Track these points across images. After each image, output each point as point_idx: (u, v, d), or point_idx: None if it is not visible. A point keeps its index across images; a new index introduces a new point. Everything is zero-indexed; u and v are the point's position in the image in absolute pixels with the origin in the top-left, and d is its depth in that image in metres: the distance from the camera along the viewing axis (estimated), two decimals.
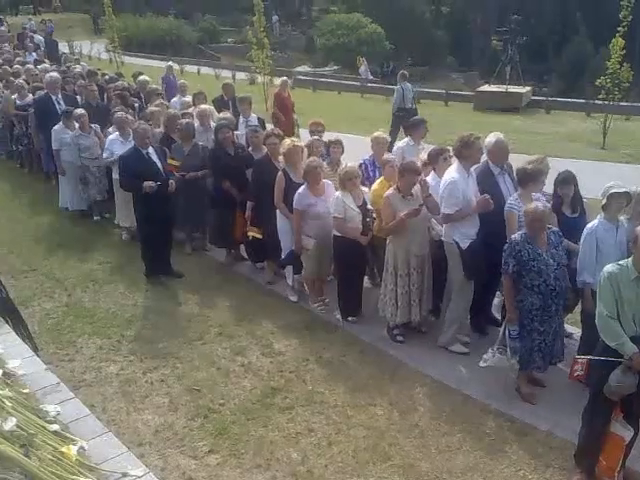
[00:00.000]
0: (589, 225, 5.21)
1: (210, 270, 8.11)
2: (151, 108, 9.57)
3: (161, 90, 11.83)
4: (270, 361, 5.99)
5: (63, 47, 28.08)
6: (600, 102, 15.04)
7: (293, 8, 51.93)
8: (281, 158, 7.08)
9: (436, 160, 6.34)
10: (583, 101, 19.55)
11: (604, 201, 5.06)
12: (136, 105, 10.91)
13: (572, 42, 35.98)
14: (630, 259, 4.14)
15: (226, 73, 26.90)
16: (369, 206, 6.49)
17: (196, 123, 8.87)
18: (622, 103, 15.33)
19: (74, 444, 3.11)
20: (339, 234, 6.43)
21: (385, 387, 5.55)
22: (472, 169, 6.00)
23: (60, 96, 10.92)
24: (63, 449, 2.97)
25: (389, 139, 7.64)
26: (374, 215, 6.48)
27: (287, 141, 7.07)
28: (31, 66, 14.89)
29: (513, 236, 5.14)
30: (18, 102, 11.89)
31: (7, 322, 4.74)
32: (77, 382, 5.53)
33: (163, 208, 7.34)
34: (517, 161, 6.36)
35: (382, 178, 6.73)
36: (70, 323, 6.71)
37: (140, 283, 7.64)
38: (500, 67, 21.61)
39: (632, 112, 17.95)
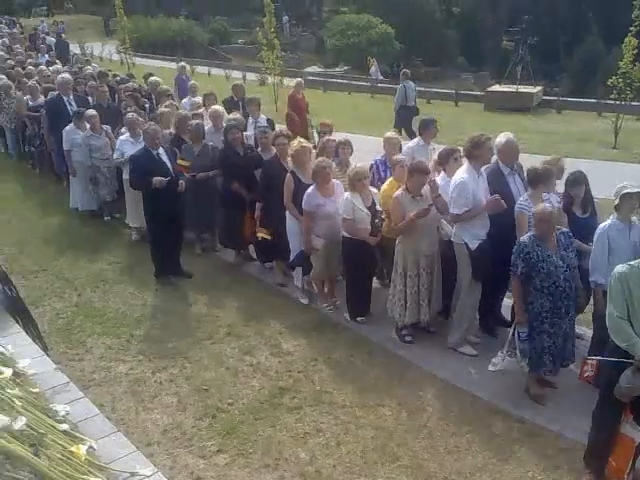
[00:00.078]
0: (601, 225, 5.18)
1: (219, 270, 8.14)
2: (161, 109, 9.61)
3: (171, 91, 11.87)
4: (279, 361, 6.00)
5: (75, 48, 28.24)
6: (612, 102, 14.94)
7: (303, 9, 51.97)
8: (289, 159, 7.08)
9: (447, 160, 6.32)
10: (594, 101, 19.44)
11: (616, 201, 5.02)
12: (147, 106, 10.96)
13: (584, 42, 35.80)
14: None
15: (236, 74, 26.96)
16: (378, 207, 6.48)
17: (208, 124, 8.91)
18: (634, 103, 15.22)
19: (83, 443, 3.13)
20: (348, 235, 6.43)
21: (393, 387, 5.55)
22: (482, 169, 5.98)
23: (72, 97, 10.98)
24: (72, 448, 2.98)
25: (401, 139, 7.62)
26: (383, 216, 6.47)
27: (295, 142, 7.08)
28: (44, 67, 15.00)
29: (522, 238, 5.11)
30: (30, 103, 11.98)
31: (17, 322, 4.77)
32: (86, 382, 5.56)
33: (172, 208, 7.36)
34: (528, 161, 6.35)
35: (392, 178, 6.72)
36: (80, 323, 6.75)
37: (150, 283, 7.67)
38: (511, 67, 21.54)
39: None
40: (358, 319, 6.69)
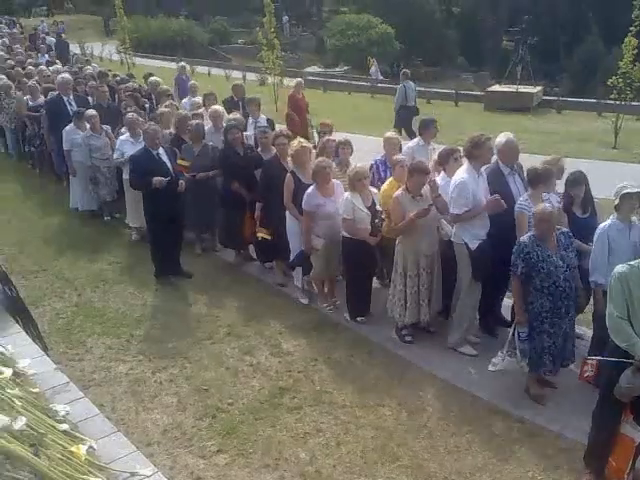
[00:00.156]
0: (601, 225, 5.18)
1: (219, 270, 8.14)
2: (161, 109, 9.62)
3: (171, 91, 11.87)
4: (279, 361, 6.00)
5: (75, 48, 28.24)
6: (612, 102, 14.94)
7: (303, 9, 51.97)
8: (289, 159, 7.08)
9: (447, 160, 6.32)
10: (594, 101, 19.44)
11: (616, 201, 5.02)
12: (147, 106, 10.96)
13: (584, 42, 35.81)
14: None
15: (236, 74, 26.97)
16: (378, 207, 6.48)
17: (208, 124, 8.92)
18: (634, 103, 15.22)
19: (83, 443, 3.13)
20: (348, 235, 6.43)
21: (394, 387, 5.55)
22: (482, 169, 5.98)
23: (72, 97, 10.98)
24: (72, 448, 2.98)
25: (401, 139, 7.62)
26: (383, 216, 6.47)
27: (295, 142, 7.07)
28: (44, 67, 15.00)
29: (522, 238, 5.11)
30: (30, 103, 11.97)
31: (17, 322, 4.76)
32: (86, 382, 5.56)
33: (172, 208, 7.36)
34: (528, 161, 6.35)
35: (392, 178, 6.72)
36: (80, 323, 6.75)
37: (150, 283, 7.67)
38: (511, 67, 21.54)
39: None
40: (358, 319, 6.69)
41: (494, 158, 6.10)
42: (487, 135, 5.94)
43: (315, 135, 9.81)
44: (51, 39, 26.69)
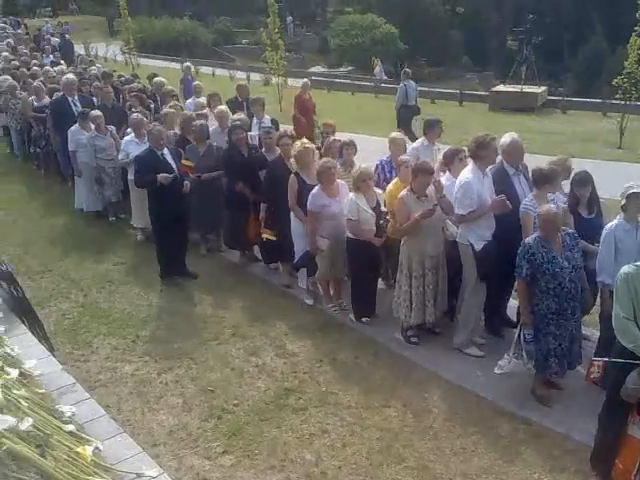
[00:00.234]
0: (608, 225, 5.16)
1: (224, 271, 8.15)
2: (165, 110, 9.63)
3: (176, 92, 11.87)
4: (284, 362, 6.00)
5: (79, 49, 28.32)
6: (617, 102, 14.90)
7: (308, 9, 51.93)
8: (292, 161, 7.07)
9: (452, 160, 6.31)
10: (599, 101, 19.37)
11: (623, 201, 5.01)
12: (152, 106, 10.98)
13: (588, 41, 35.70)
14: None
15: (240, 74, 26.97)
16: (382, 208, 6.47)
17: (213, 125, 8.92)
18: (639, 103, 15.17)
19: (89, 444, 3.13)
20: (353, 236, 6.42)
21: (399, 389, 5.54)
22: (487, 169, 5.97)
23: (76, 97, 11.00)
24: (79, 449, 2.99)
25: (407, 140, 7.61)
26: (388, 217, 6.46)
27: (297, 143, 7.06)
28: (49, 68, 15.03)
29: (526, 239, 5.09)
30: (35, 104, 11.99)
31: (23, 322, 4.78)
32: (92, 382, 5.57)
33: (177, 208, 7.37)
34: (533, 161, 6.33)
35: (397, 179, 6.71)
36: (86, 323, 6.76)
37: (155, 284, 7.68)
38: (515, 67, 21.48)
39: None
40: (363, 320, 6.69)
41: (499, 158, 6.09)
42: (492, 135, 5.93)
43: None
44: (56, 40, 26.75)
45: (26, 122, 12.51)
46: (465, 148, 6.26)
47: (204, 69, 28.51)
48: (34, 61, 17.04)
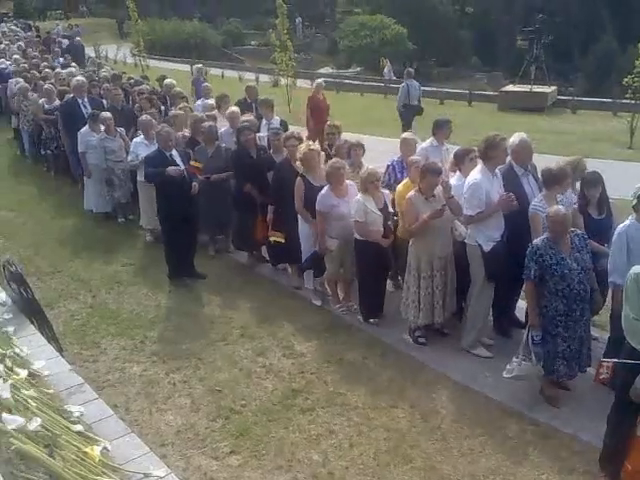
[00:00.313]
0: (620, 226, 5.11)
1: (232, 272, 8.16)
2: (173, 112, 9.67)
3: (185, 94, 11.90)
4: (291, 362, 6.00)
5: (90, 51, 28.46)
6: (627, 101, 14.81)
7: (317, 10, 51.97)
8: (298, 163, 7.07)
9: (462, 160, 6.29)
10: (610, 100, 19.27)
11: (634, 201, 4.96)
12: (162, 108, 11.02)
13: (598, 41, 35.49)
14: None
15: (249, 75, 27.04)
16: (390, 209, 6.47)
17: (225, 126, 8.95)
18: None
19: (98, 444, 3.15)
20: (360, 237, 6.42)
21: (407, 389, 5.53)
22: (497, 170, 5.95)
23: (86, 99, 11.06)
24: (87, 449, 3.00)
25: (418, 140, 7.59)
26: (395, 217, 6.45)
27: (302, 146, 7.05)
28: (60, 70, 15.12)
29: (535, 241, 5.06)
30: (46, 106, 12.06)
31: (33, 323, 4.81)
32: (101, 382, 5.59)
33: (186, 208, 7.39)
34: (542, 162, 6.30)
35: (407, 179, 6.70)
36: (94, 324, 6.80)
37: (163, 285, 7.71)
38: (525, 67, 21.39)
39: None
40: (371, 320, 6.68)
41: (508, 159, 6.07)
42: (502, 136, 5.91)
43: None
44: (67, 42, 26.92)
45: (37, 124, 12.58)
46: (476, 148, 6.24)
47: (213, 70, 28.54)
48: (44, 63, 17.13)
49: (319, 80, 14.27)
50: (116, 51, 33.10)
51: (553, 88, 21.34)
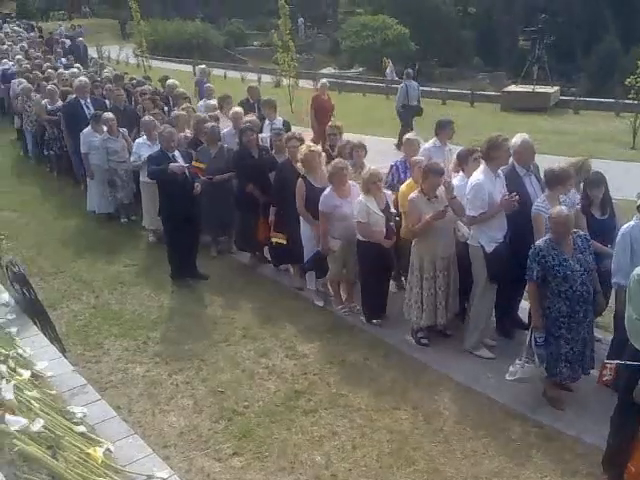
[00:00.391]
0: (624, 226, 5.09)
1: (235, 272, 8.16)
2: (176, 112, 9.68)
3: (188, 94, 11.91)
4: (294, 363, 6.00)
5: (92, 52, 28.51)
6: (630, 102, 14.79)
7: (319, 11, 51.99)
8: (299, 164, 7.07)
9: (466, 160, 6.29)
10: (612, 101, 19.24)
11: (639, 202, 4.96)
12: (166, 109, 11.03)
13: (601, 41, 35.43)
14: None
15: (252, 76, 27.06)
16: (392, 209, 6.47)
17: (227, 127, 8.95)
18: None
19: (100, 446, 3.15)
20: (363, 238, 6.41)
21: (409, 390, 5.52)
22: (499, 170, 5.94)
23: (89, 100, 11.07)
24: (89, 451, 3.01)
25: (421, 140, 7.59)
26: (397, 218, 6.44)
27: (303, 147, 7.04)
28: (63, 71, 15.14)
29: (537, 242, 5.05)
30: (49, 107, 12.08)
31: (35, 324, 4.82)
32: (104, 384, 5.59)
33: (188, 209, 7.39)
34: (545, 162, 6.29)
35: (410, 180, 6.69)
36: (97, 325, 6.80)
37: (166, 285, 7.71)
38: (527, 67, 21.38)
39: None
40: (374, 321, 6.68)
41: (510, 159, 6.06)
42: (504, 136, 5.89)
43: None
44: (68, 42, 26.96)
45: (40, 125, 12.60)
46: (479, 148, 6.23)
47: (216, 71, 28.56)
48: (47, 64, 17.16)
49: (323, 80, 14.32)
50: (119, 52, 33.12)
51: (555, 88, 21.31)
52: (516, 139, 6.06)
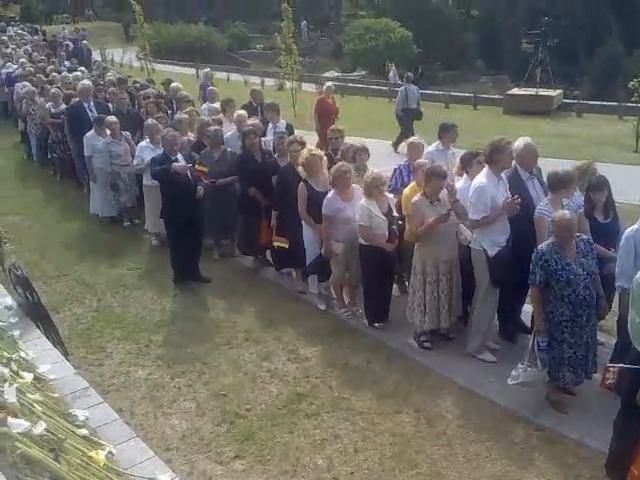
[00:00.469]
0: (628, 230, 5.08)
1: (237, 276, 8.17)
2: (179, 115, 9.70)
3: (191, 98, 11.93)
4: (296, 367, 6.00)
5: (96, 55, 28.59)
6: (633, 105, 14.76)
7: (322, 14, 52.06)
8: (300, 168, 7.07)
9: (470, 163, 6.28)
10: (615, 104, 19.21)
11: None
12: (170, 112, 11.05)
13: (604, 44, 35.40)
14: None
15: (255, 79, 27.07)
16: (395, 213, 6.46)
17: (230, 130, 8.97)
18: None
19: (103, 449, 3.15)
20: (365, 242, 6.41)
21: (412, 394, 5.52)
22: (502, 174, 5.93)
23: (92, 103, 11.10)
24: (92, 454, 3.01)
25: (424, 144, 7.59)
26: (400, 222, 6.44)
27: (304, 151, 7.04)
28: (66, 74, 15.18)
29: (540, 246, 5.04)
30: (52, 110, 12.11)
31: (38, 327, 4.83)
32: (106, 386, 5.60)
33: (190, 212, 7.40)
34: (548, 165, 6.29)
35: (414, 183, 6.69)
36: (100, 328, 6.81)
37: (168, 288, 7.72)
38: (530, 70, 21.35)
39: None
40: (376, 325, 6.67)
41: (513, 163, 6.06)
42: (507, 139, 5.89)
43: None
44: (69, 44, 27.04)
45: (44, 128, 12.63)
46: (482, 151, 6.22)
47: (219, 74, 28.62)
48: (51, 67, 17.21)
49: (329, 83, 14.36)
50: (122, 55, 33.21)
51: (558, 91, 21.29)
52: (519, 142, 6.06)
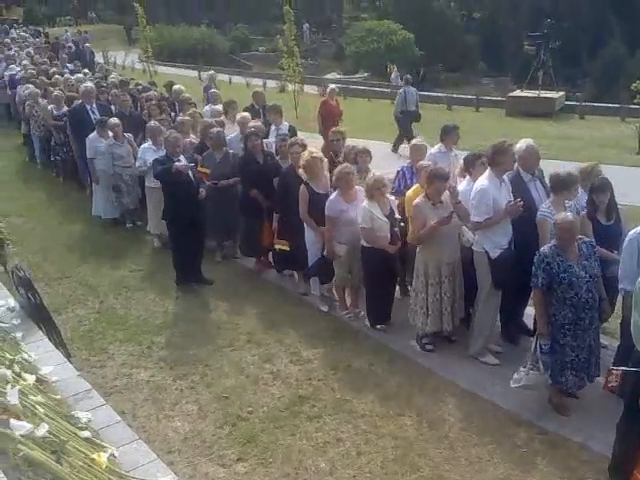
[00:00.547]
0: (631, 232, 5.07)
1: (239, 278, 8.17)
2: (181, 117, 9.71)
3: (193, 100, 11.94)
4: (298, 369, 5.99)
5: (98, 57, 28.63)
6: (635, 107, 14.76)
7: (324, 16, 52.13)
8: (301, 170, 7.07)
9: (473, 165, 6.26)
10: (618, 106, 19.23)
11: None
12: (172, 114, 11.06)
13: (607, 46, 35.38)
14: None
15: (257, 81, 27.12)
16: (397, 215, 6.46)
17: (233, 132, 8.97)
18: None
19: (105, 451, 3.15)
20: (367, 244, 6.40)
21: (414, 397, 5.51)
22: (505, 176, 5.93)
23: (95, 105, 11.11)
24: (94, 456, 3.01)
25: (427, 146, 7.59)
26: (402, 224, 6.44)
27: (305, 153, 7.04)
28: (69, 76, 15.21)
29: (542, 249, 5.03)
30: (55, 112, 12.13)
31: (41, 329, 4.83)
32: (108, 388, 5.60)
33: (192, 213, 7.41)
34: (550, 167, 6.29)
35: (417, 185, 6.68)
36: (102, 330, 6.81)
37: (171, 290, 7.72)
38: (533, 72, 21.35)
39: None
40: (378, 327, 6.66)
41: (515, 165, 6.05)
42: (510, 141, 5.89)
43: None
44: (73, 46, 27.10)
45: (47, 130, 12.66)
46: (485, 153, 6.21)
47: (221, 76, 28.63)
48: (53, 69, 17.24)
49: (333, 86, 14.40)
50: (124, 57, 33.26)
51: (561, 93, 21.31)
52: (521, 144, 6.05)
